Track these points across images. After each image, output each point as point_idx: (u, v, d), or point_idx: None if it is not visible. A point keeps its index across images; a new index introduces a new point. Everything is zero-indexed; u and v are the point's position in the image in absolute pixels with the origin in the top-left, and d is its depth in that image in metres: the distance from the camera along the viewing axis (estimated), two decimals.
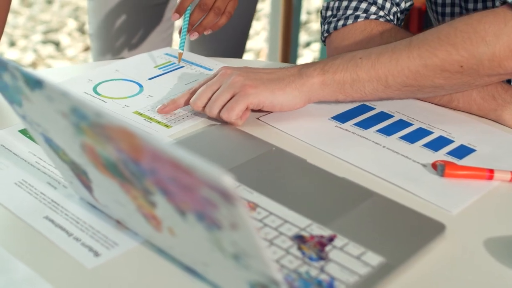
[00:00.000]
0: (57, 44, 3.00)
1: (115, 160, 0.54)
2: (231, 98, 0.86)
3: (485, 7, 0.99)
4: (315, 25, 3.21)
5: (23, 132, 0.85)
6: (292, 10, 2.26)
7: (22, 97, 0.59)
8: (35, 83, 0.55)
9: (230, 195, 0.43)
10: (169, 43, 1.46)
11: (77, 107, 0.52)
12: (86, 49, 2.97)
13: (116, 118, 0.49)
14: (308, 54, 2.96)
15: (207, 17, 1.10)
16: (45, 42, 3.01)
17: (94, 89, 0.97)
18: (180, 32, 1.08)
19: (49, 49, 2.96)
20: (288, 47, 2.31)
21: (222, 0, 1.10)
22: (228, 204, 0.44)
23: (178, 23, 1.60)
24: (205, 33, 1.09)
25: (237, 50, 1.56)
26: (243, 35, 1.56)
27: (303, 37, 3.02)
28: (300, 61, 2.71)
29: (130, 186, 0.56)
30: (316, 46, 3.00)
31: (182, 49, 1.05)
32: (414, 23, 1.75)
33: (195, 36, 1.08)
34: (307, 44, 3.03)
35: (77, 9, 3.28)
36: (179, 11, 1.08)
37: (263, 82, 0.87)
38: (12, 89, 0.59)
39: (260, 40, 3.05)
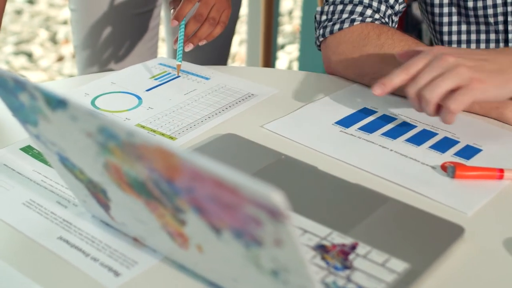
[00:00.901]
0: (29, 55, 2.95)
1: (144, 179, 0.53)
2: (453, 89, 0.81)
3: (485, 6, 0.99)
4: (288, 27, 3.22)
5: (25, 150, 0.83)
6: (272, 13, 2.25)
7: (39, 116, 0.58)
8: (58, 103, 0.53)
9: (280, 213, 0.42)
10: (155, 51, 1.44)
11: (106, 126, 0.50)
12: (60, 59, 2.93)
13: (151, 137, 0.47)
14: (283, 56, 2.96)
15: (202, 27, 1.09)
16: (17, 53, 2.96)
17: (93, 103, 0.95)
18: (175, 42, 1.07)
19: (22, 60, 2.91)
20: (270, 51, 2.31)
21: (217, 11, 1.09)
22: (275, 221, 0.44)
23: (164, 32, 1.59)
24: (200, 43, 1.08)
25: (222, 57, 1.56)
26: (228, 43, 1.55)
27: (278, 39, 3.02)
28: (277, 64, 2.70)
29: (157, 204, 0.55)
30: (290, 48, 3.00)
31: (180, 61, 1.03)
32: None
33: (190, 47, 1.07)
34: (282, 47, 3.03)
35: (48, 19, 3.24)
36: (178, 18, 1.07)
37: (488, 75, 0.81)
38: (28, 109, 0.58)
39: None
